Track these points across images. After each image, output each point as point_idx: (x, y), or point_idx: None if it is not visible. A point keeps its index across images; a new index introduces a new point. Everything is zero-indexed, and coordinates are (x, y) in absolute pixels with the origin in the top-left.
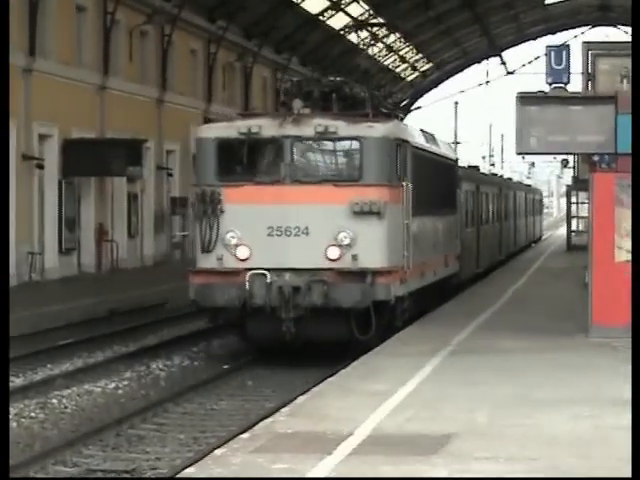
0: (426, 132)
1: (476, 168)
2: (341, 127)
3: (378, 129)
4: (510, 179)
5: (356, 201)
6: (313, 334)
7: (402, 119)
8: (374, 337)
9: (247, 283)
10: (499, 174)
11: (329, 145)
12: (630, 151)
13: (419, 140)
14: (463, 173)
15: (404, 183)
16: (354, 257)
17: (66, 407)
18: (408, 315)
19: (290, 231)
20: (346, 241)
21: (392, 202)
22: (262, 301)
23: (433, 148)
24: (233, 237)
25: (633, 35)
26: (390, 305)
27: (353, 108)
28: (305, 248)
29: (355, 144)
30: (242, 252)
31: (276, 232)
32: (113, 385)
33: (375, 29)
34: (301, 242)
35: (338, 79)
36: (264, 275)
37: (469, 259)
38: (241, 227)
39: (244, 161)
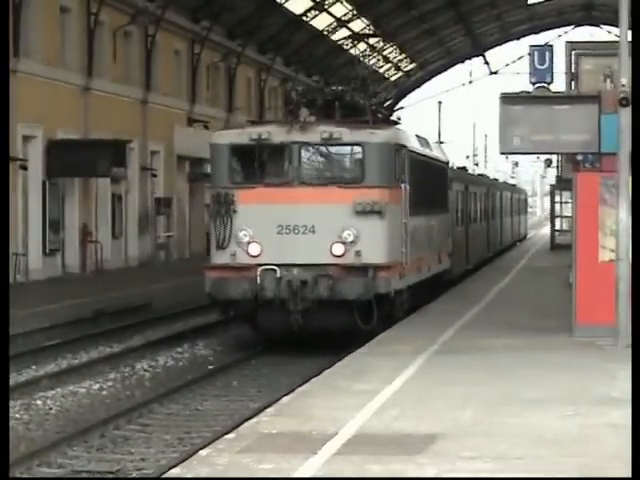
0: (421, 137)
1: (464, 169)
2: (345, 133)
3: (379, 135)
4: (496, 179)
5: (359, 201)
6: (319, 324)
7: (399, 123)
8: (376, 327)
9: (258, 277)
10: (486, 174)
11: (334, 150)
12: (615, 151)
13: (415, 145)
14: (453, 174)
15: (402, 185)
16: (357, 253)
17: (51, 408)
18: (406, 307)
19: (298, 229)
20: (350, 238)
21: (392, 202)
22: (272, 294)
23: (427, 152)
24: (245, 235)
25: (633, 35)
26: (390, 298)
27: (354, 115)
28: (312, 245)
29: (358, 149)
30: (254, 249)
31: (285, 230)
32: (98, 386)
33: (363, 33)
34: (308, 239)
35: (340, 88)
36: (274, 270)
37: (459, 256)
38: (253, 226)
39: (255, 165)
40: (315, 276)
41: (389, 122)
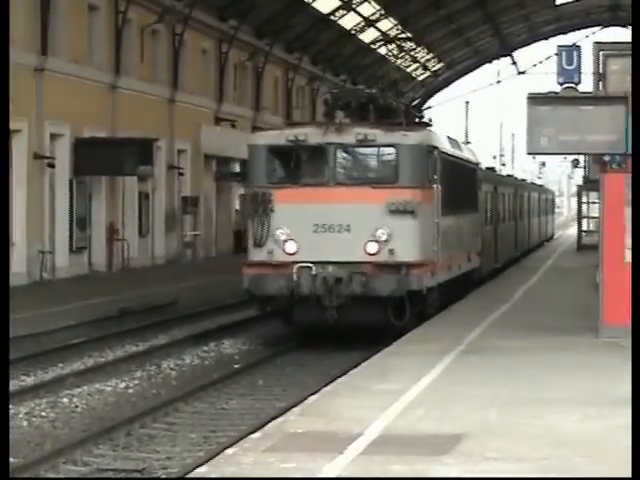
0: (452, 138)
1: (492, 169)
2: (379, 135)
3: (412, 137)
4: (524, 180)
5: (392, 201)
6: (353, 320)
7: (431, 125)
8: (408, 323)
9: (295, 274)
10: (514, 175)
11: (368, 151)
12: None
13: (446, 146)
14: (483, 175)
15: (434, 185)
16: (390, 251)
17: (77, 406)
18: (437, 304)
19: (333, 228)
20: (383, 237)
21: (424, 202)
22: (308, 290)
23: (458, 153)
24: (282, 233)
25: (633, 36)
26: (422, 294)
27: (387, 117)
28: (347, 243)
29: (392, 150)
30: (290, 247)
31: (321, 229)
32: (124, 384)
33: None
34: (343, 238)
35: (373, 91)
36: (310, 267)
37: (488, 255)
38: (289, 224)
39: (292, 165)
40: (350, 273)
41: (421, 124)
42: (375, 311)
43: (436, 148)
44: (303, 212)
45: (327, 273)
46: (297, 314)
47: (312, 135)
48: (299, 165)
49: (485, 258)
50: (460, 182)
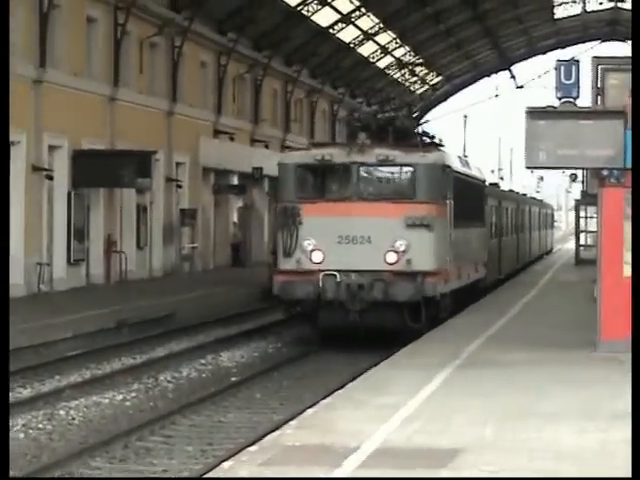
0: (462, 158)
1: (496, 185)
2: (398, 156)
3: (428, 157)
4: (525, 195)
5: (410, 215)
6: (374, 323)
7: (443, 146)
8: (423, 326)
9: (320, 281)
10: (515, 190)
11: (388, 170)
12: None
13: (458, 165)
14: (488, 191)
15: (447, 201)
16: (408, 261)
17: (74, 418)
18: (449, 309)
19: (356, 239)
20: (402, 248)
21: (439, 216)
22: (333, 296)
23: (467, 171)
24: (309, 244)
25: (633, 50)
26: (436, 300)
27: (404, 138)
28: (368, 253)
29: (410, 169)
30: (317, 256)
31: (345, 240)
32: (121, 397)
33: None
34: (365, 248)
35: (392, 115)
36: (334, 275)
37: (493, 266)
38: (316, 236)
39: (318, 182)
40: (371, 280)
41: (434, 144)
42: (394, 315)
43: (449, 167)
44: (328, 225)
45: (350, 280)
46: (322, 317)
47: (337, 155)
48: (325, 182)
49: (490, 269)
50: (469, 198)
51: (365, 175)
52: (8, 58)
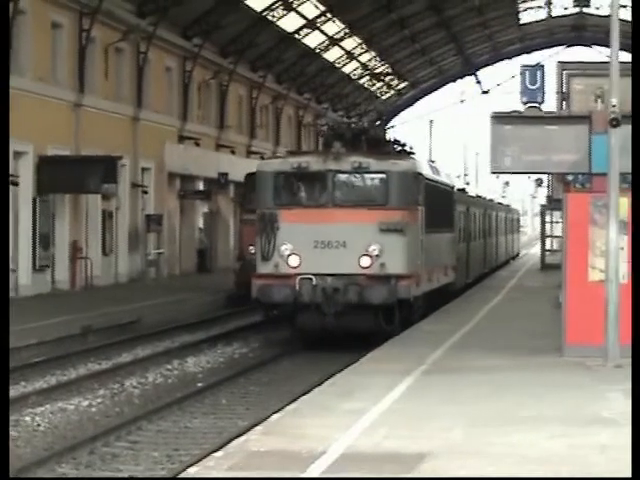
0: (432, 165)
1: (463, 190)
2: (372, 163)
3: (401, 165)
4: (492, 200)
5: (383, 221)
6: (349, 325)
7: (414, 154)
8: (396, 328)
9: (297, 285)
10: (482, 195)
11: (362, 177)
12: (605, 171)
13: (428, 172)
14: (456, 196)
15: (419, 207)
16: (382, 265)
17: (39, 425)
18: (421, 311)
19: (332, 244)
20: (375, 252)
21: (411, 222)
22: (309, 299)
23: (437, 178)
24: (286, 249)
25: (633, 56)
26: (409, 302)
27: (376, 146)
28: (343, 258)
29: (383, 176)
30: (293, 260)
31: (320, 245)
32: (87, 403)
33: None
34: (340, 253)
35: (366, 124)
36: (311, 279)
37: (461, 270)
38: (293, 241)
39: (295, 189)
40: (346, 284)
41: (405, 152)
42: (368, 317)
43: (421, 174)
44: (305, 230)
45: (326, 284)
46: (299, 320)
47: (313, 162)
48: (301, 189)
49: (459, 273)
50: (439, 204)
51: (340, 182)
52: (8, 66)
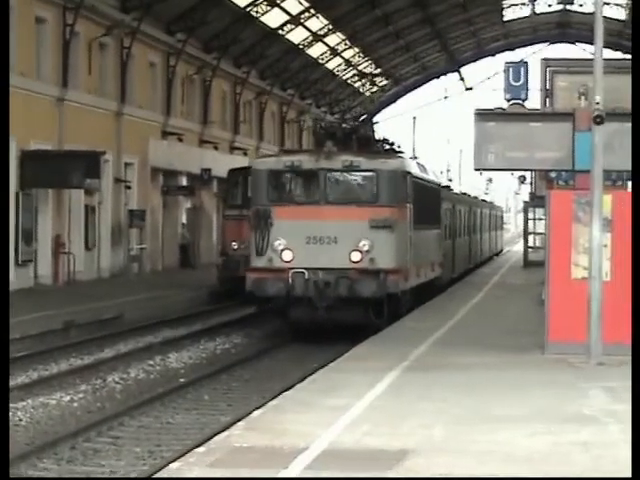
0: (420, 164)
1: (448, 188)
2: (362, 162)
3: (390, 164)
4: (477, 197)
5: (373, 218)
6: (340, 317)
7: (403, 152)
8: (385, 321)
9: (290, 279)
10: (467, 193)
11: (353, 175)
12: (589, 168)
13: (416, 171)
14: (443, 194)
15: (407, 204)
16: (371, 260)
17: (21, 420)
18: (409, 305)
19: (323, 240)
20: (365, 248)
21: (399, 219)
22: (301, 292)
23: (425, 176)
24: (280, 244)
25: (633, 47)
26: (398, 296)
27: (366, 145)
28: (334, 253)
29: (373, 175)
30: (287, 255)
31: (312, 240)
32: (68, 398)
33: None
34: (331, 248)
35: (356, 124)
36: (303, 273)
37: (447, 266)
38: (286, 236)
39: (289, 187)
40: (337, 278)
41: (394, 151)
42: (358, 310)
43: (409, 173)
44: (298, 226)
45: (318, 278)
46: (292, 313)
47: (306, 161)
48: (295, 186)
49: (445, 268)
50: (427, 201)
51: (332, 180)
52: (8, 67)
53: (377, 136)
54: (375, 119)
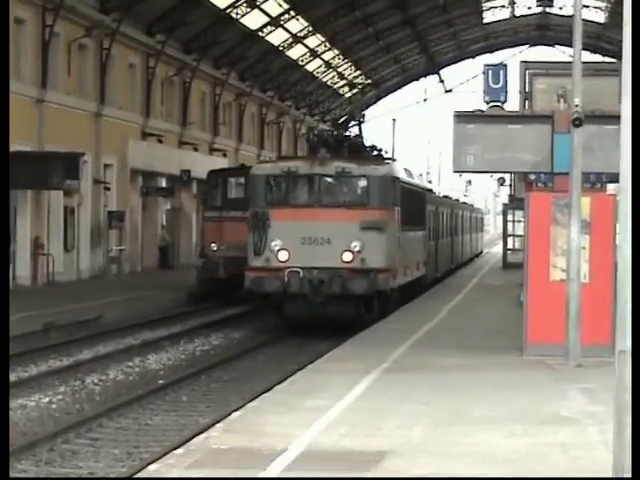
0: (407, 169)
1: (431, 191)
2: (354, 168)
3: (380, 170)
4: (458, 200)
5: (364, 220)
6: (333, 313)
7: (391, 159)
8: (375, 316)
9: (286, 277)
10: (449, 195)
11: (345, 180)
12: (567, 171)
13: (404, 176)
14: (427, 197)
15: (396, 207)
16: (362, 259)
17: None
18: (397, 302)
19: (317, 241)
20: (357, 248)
21: (388, 221)
22: (297, 290)
23: (411, 180)
24: (277, 244)
25: (633, 46)
26: (387, 294)
27: (357, 152)
28: (328, 253)
29: (364, 180)
30: (283, 255)
31: (307, 241)
32: (47, 399)
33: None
34: (325, 248)
35: (348, 133)
36: (298, 272)
37: (431, 265)
38: (282, 237)
39: (285, 191)
40: (330, 276)
41: (382, 157)
42: (350, 306)
43: (397, 178)
44: (294, 228)
45: (312, 276)
46: (288, 309)
47: (301, 167)
48: (291, 190)
49: (429, 268)
50: (413, 204)
51: (325, 185)
52: (8, 69)
53: (367, 143)
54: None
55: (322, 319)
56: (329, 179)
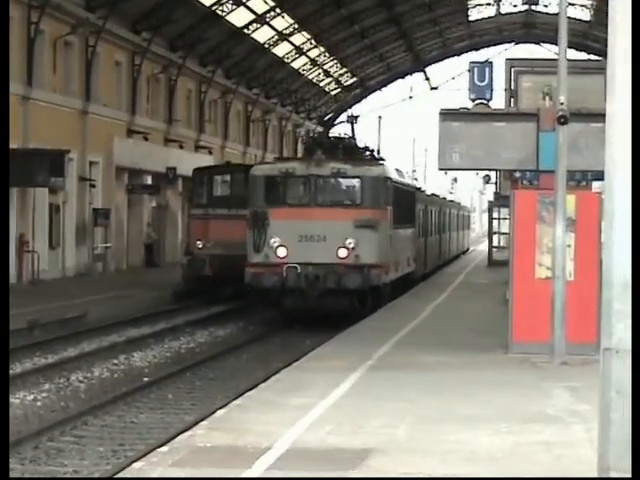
0: (399, 169)
1: (420, 189)
2: (348, 169)
3: (373, 170)
4: (445, 198)
5: (358, 218)
6: (329, 307)
7: (384, 160)
8: (368, 310)
9: (284, 272)
10: (437, 193)
11: (340, 181)
12: (552, 168)
13: (395, 176)
14: (417, 196)
15: (388, 206)
16: (356, 256)
17: None
18: (389, 296)
19: (314, 238)
20: (351, 245)
21: (381, 219)
22: (294, 284)
23: (402, 180)
24: (275, 242)
25: (633, 45)
26: (380, 288)
27: (351, 153)
28: (323, 249)
29: (358, 180)
30: (281, 252)
31: (304, 239)
32: (32, 397)
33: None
34: (321, 245)
35: (343, 135)
36: (296, 267)
37: (420, 262)
38: (281, 235)
39: (283, 191)
40: (326, 272)
41: (375, 158)
42: (345, 300)
43: (389, 178)
44: (291, 226)
45: (309, 272)
46: (286, 302)
47: (298, 168)
48: (288, 190)
49: (418, 264)
50: (404, 203)
51: (321, 185)
52: (8, 67)
53: (360, 144)
54: (340, 119)
55: (318, 312)
56: (325, 179)
